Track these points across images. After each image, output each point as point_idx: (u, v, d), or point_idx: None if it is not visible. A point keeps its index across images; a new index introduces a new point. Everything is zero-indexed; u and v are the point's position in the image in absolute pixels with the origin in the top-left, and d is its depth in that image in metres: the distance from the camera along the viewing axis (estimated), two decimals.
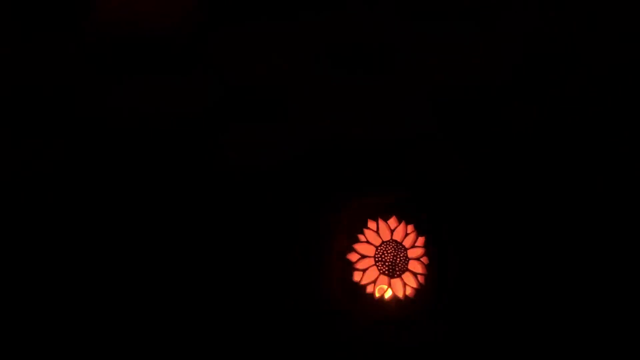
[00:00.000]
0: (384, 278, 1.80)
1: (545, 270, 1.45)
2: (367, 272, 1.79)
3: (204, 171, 1.38)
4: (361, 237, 1.80)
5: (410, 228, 1.82)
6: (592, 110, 1.35)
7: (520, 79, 1.35)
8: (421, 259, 1.81)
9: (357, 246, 1.80)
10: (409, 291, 1.80)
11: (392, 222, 1.82)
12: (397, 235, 1.81)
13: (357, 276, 1.79)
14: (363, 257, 1.79)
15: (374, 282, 1.79)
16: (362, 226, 1.81)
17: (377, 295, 1.80)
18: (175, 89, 1.36)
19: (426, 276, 1.81)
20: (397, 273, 1.80)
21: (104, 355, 1.19)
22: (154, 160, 1.37)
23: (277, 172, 1.45)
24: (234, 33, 1.37)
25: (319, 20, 1.40)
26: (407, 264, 1.80)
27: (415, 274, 1.80)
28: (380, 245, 1.80)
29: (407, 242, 1.82)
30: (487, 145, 1.45)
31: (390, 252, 1.80)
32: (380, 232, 1.81)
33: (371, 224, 1.81)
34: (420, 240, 1.82)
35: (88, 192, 1.35)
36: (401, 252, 1.80)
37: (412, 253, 1.81)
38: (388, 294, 1.80)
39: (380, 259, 1.79)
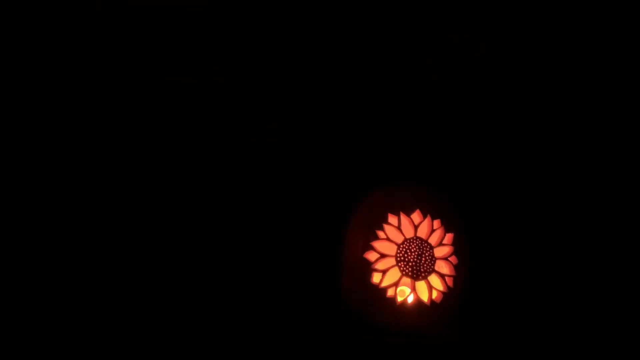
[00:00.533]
0: (406, 280, 1.59)
1: (546, 269, 1.41)
2: (388, 273, 1.59)
3: (204, 171, 1.38)
4: (380, 234, 1.59)
5: (436, 224, 1.61)
6: (592, 110, 1.33)
7: (521, 79, 1.34)
8: (449, 259, 1.60)
9: (376, 244, 1.59)
10: (435, 295, 1.59)
11: (416, 217, 1.61)
12: (422, 232, 1.60)
13: (376, 278, 1.58)
14: (383, 256, 1.59)
15: (396, 284, 1.58)
16: (381, 221, 1.60)
17: (399, 299, 1.58)
18: (174, 88, 1.37)
19: (455, 278, 1.59)
20: (422, 275, 1.58)
21: (104, 355, 1.17)
22: (154, 160, 1.37)
23: (289, 161, 1.43)
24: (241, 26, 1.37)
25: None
26: (433, 265, 1.59)
27: (442, 276, 1.59)
28: (402, 243, 1.59)
29: (433, 240, 1.60)
30: (487, 145, 1.44)
31: (414, 251, 1.59)
32: (402, 228, 1.60)
33: (392, 219, 1.60)
34: (448, 238, 1.61)
35: (88, 192, 1.35)
36: (426, 251, 1.59)
37: (439, 252, 1.60)
38: (411, 299, 1.59)
39: (402, 258, 1.59)
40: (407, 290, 1.59)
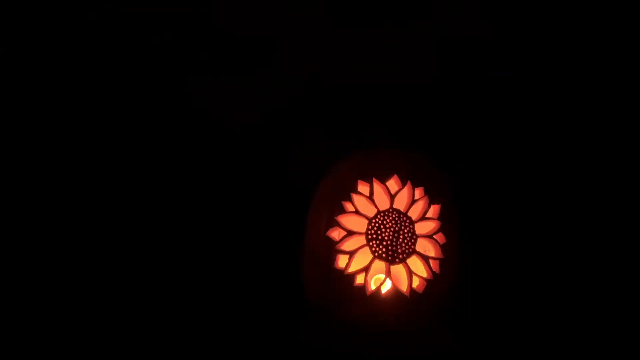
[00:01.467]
0: (380, 264, 1.24)
1: (546, 270, 1.35)
2: (357, 255, 1.25)
3: (204, 171, 1.39)
4: (347, 206, 1.25)
5: (419, 192, 1.27)
6: (592, 110, 1.34)
7: (521, 78, 1.36)
8: (434, 237, 1.26)
9: (342, 219, 1.25)
10: (416, 283, 1.24)
11: (393, 184, 1.27)
12: (400, 203, 1.26)
13: (341, 262, 1.24)
14: (350, 234, 1.24)
15: (366, 270, 1.24)
16: (349, 190, 1.25)
17: (371, 288, 1.24)
18: (175, 87, 1.38)
19: (442, 261, 1.25)
20: (400, 257, 1.24)
21: (104, 355, 1.15)
22: (154, 160, 1.38)
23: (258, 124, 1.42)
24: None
25: None
26: (414, 244, 1.25)
27: (426, 258, 1.25)
28: (375, 218, 1.25)
29: (414, 213, 1.26)
30: (487, 145, 1.43)
31: (390, 227, 1.25)
32: (375, 198, 1.25)
33: (362, 187, 1.26)
34: (434, 210, 1.26)
35: (88, 192, 1.36)
36: (405, 227, 1.25)
37: (422, 228, 1.26)
38: (386, 287, 1.24)
39: (375, 236, 1.25)
40: (381, 277, 1.25)
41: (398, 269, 1.25)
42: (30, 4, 1.35)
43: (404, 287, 1.24)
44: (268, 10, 1.38)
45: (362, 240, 1.25)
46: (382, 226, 1.25)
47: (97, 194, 1.39)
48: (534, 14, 1.36)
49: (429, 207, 1.26)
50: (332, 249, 1.24)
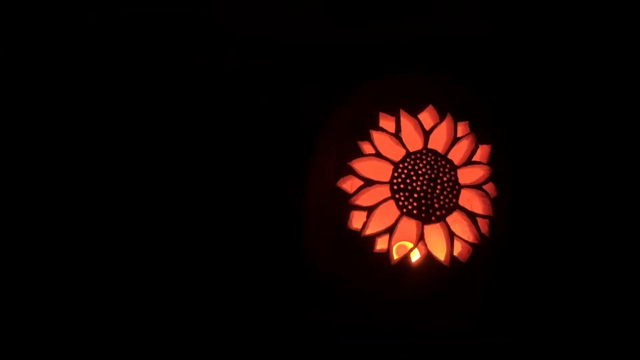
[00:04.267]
0: (409, 223, 0.93)
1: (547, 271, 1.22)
2: (377, 212, 0.93)
3: (203, 170, 1.39)
4: (365, 147, 0.93)
5: (463, 128, 0.94)
6: (592, 110, 1.32)
7: (521, 78, 1.33)
8: (484, 187, 0.93)
9: (357, 164, 0.93)
10: (458, 249, 0.93)
11: (427, 116, 0.94)
12: (438, 142, 0.95)
13: (356, 221, 0.92)
14: (369, 183, 0.93)
15: (391, 231, 0.93)
16: (368, 126, 0.94)
17: (395, 257, 0.93)
18: (175, 87, 1.40)
19: (492, 221, 0.93)
20: (437, 214, 0.92)
21: (104, 355, 1.14)
22: (153, 160, 1.39)
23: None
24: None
25: None
26: (455, 197, 0.93)
27: (472, 216, 0.93)
28: (402, 162, 0.94)
29: (456, 155, 0.94)
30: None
31: (424, 175, 0.93)
32: (403, 135, 0.94)
33: (386, 122, 0.94)
34: (483, 152, 0.94)
35: (88, 192, 1.38)
36: (445, 175, 0.93)
37: (467, 176, 0.94)
38: (416, 256, 0.93)
39: (403, 187, 0.93)
40: (409, 244, 0.93)
41: (434, 230, 0.93)
42: (30, 4, 1.37)
43: (442, 255, 0.93)
44: (268, 10, 1.36)
45: (385, 192, 0.94)
46: (412, 173, 0.93)
47: (97, 194, 1.39)
48: (534, 14, 1.33)
49: (476, 147, 0.94)
50: (344, 204, 0.93)
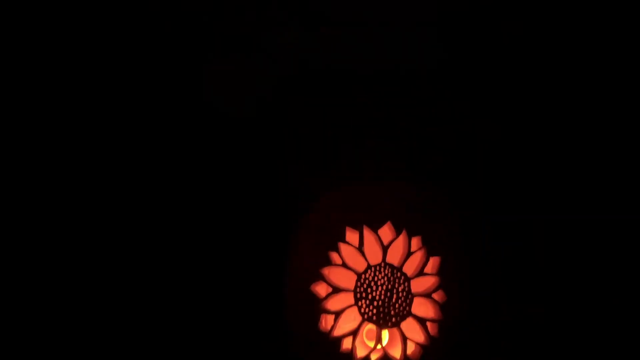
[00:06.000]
0: (370, 327, 1.09)
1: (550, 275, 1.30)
2: (343, 316, 1.09)
3: (203, 170, 1.38)
4: (334, 258, 1.09)
5: (415, 243, 1.10)
6: (592, 110, 1.34)
7: (520, 78, 1.35)
8: (433, 296, 1.09)
9: (327, 272, 1.09)
10: (411, 349, 1.08)
11: (386, 232, 1.10)
12: (394, 256, 1.09)
13: (326, 322, 1.08)
14: (337, 291, 1.08)
15: (354, 333, 1.08)
16: (336, 239, 1.08)
17: (358, 355, 1.09)
18: (175, 87, 1.40)
19: (441, 324, 1.09)
20: (393, 320, 1.08)
21: (104, 355, 1.19)
22: (154, 160, 1.38)
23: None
24: None
25: None
26: (409, 305, 1.09)
27: (422, 321, 1.09)
28: (365, 273, 1.09)
29: (409, 268, 1.10)
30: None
31: (382, 285, 1.09)
32: (366, 249, 1.09)
33: (351, 236, 1.09)
34: (432, 264, 1.10)
35: (88, 192, 1.36)
36: (400, 285, 1.09)
37: (419, 285, 1.09)
38: (376, 355, 1.09)
39: (365, 295, 1.08)
40: (370, 343, 1.09)
41: (391, 334, 1.08)
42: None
43: (397, 354, 1.08)
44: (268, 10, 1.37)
45: (349, 298, 1.09)
46: (372, 283, 1.09)
47: (96, 194, 1.38)
48: (534, 14, 1.35)
49: (427, 259, 1.09)
50: (316, 307, 1.09)
